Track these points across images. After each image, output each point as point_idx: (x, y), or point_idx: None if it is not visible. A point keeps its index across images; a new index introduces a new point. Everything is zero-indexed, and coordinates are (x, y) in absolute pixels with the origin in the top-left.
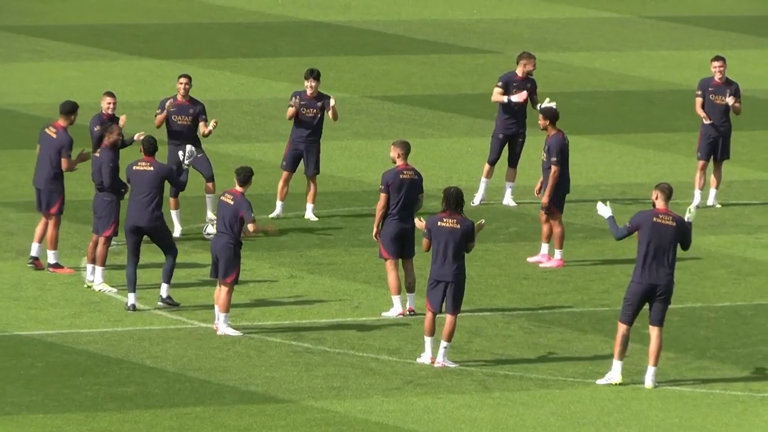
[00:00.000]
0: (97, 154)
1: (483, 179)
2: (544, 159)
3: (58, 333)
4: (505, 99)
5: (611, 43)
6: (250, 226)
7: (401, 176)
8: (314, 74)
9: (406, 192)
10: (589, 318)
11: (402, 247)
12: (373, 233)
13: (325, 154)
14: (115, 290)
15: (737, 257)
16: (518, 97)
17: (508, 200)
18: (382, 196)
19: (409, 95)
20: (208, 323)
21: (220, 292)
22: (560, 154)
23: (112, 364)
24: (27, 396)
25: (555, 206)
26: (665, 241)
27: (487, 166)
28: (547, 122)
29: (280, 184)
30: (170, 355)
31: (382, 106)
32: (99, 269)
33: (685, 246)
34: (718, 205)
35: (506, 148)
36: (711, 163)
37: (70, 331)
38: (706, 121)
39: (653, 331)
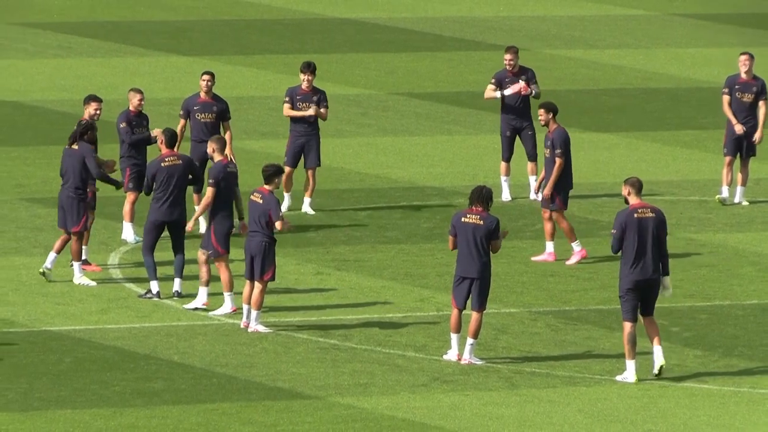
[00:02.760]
0: (75, 147)
1: (503, 177)
2: (548, 154)
3: (85, 329)
4: (497, 94)
5: (638, 40)
6: (278, 224)
7: (229, 170)
8: (311, 68)
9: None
10: (616, 315)
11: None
12: (191, 226)
13: (351, 150)
14: (94, 283)
15: (765, 255)
16: (510, 90)
17: (533, 196)
18: (210, 190)
19: (435, 92)
20: (235, 319)
21: (253, 290)
22: (564, 146)
23: (140, 359)
24: (55, 391)
25: (560, 202)
26: (649, 234)
27: (503, 165)
28: (550, 116)
29: (284, 179)
30: (197, 351)
31: (409, 103)
32: (76, 264)
33: (664, 239)
34: (746, 203)
35: (519, 144)
36: (738, 161)
37: (98, 327)
38: (737, 126)
39: (647, 320)
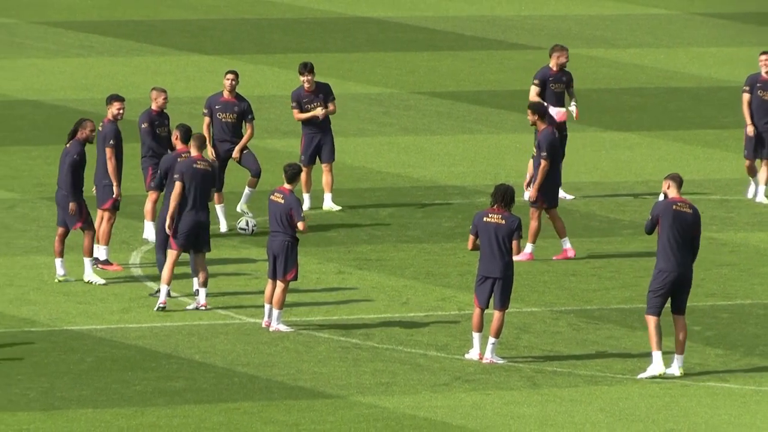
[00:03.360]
0: (68, 146)
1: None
2: (535, 155)
3: (107, 328)
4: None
5: (659, 39)
6: (300, 225)
7: (195, 166)
8: (308, 68)
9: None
10: (638, 314)
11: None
12: (168, 225)
13: (372, 149)
14: (103, 281)
15: None
16: (557, 115)
17: (562, 194)
18: (177, 185)
19: (457, 91)
20: (256, 318)
21: (275, 289)
22: (550, 148)
23: (161, 359)
24: (76, 390)
25: (544, 201)
26: (686, 229)
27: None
28: (536, 117)
29: (303, 178)
30: (219, 351)
31: (430, 102)
32: (87, 260)
33: (697, 240)
34: (767, 201)
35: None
36: (759, 161)
37: (119, 326)
38: (749, 127)
39: (679, 320)
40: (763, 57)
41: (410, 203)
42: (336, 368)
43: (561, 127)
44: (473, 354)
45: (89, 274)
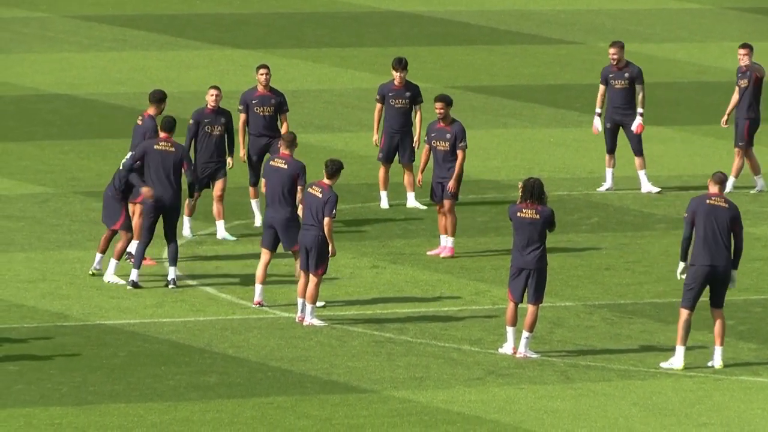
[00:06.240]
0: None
1: (608, 169)
2: (444, 147)
3: (140, 322)
4: (597, 125)
5: (693, 34)
6: (326, 220)
7: (271, 163)
8: (402, 64)
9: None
10: (671, 309)
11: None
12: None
13: None
14: (123, 281)
15: None
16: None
17: (648, 188)
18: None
19: (491, 86)
20: (290, 313)
21: (308, 283)
22: (465, 139)
23: (194, 353)
24: (109, 385)
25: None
26: (721, 223)
27: (607, 156)
28: (450, 108)
29: (382, 176)
30: (252, 345)
31: (465, 96)
32: (113, 261)
33: (739, 237)
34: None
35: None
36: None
37: (153, 321)
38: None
39: (716, 313)
40: (741, 50)
41: None
42: (370, 362)
43: (627, 122)
44: (507, 348)
45: (109, 275)
